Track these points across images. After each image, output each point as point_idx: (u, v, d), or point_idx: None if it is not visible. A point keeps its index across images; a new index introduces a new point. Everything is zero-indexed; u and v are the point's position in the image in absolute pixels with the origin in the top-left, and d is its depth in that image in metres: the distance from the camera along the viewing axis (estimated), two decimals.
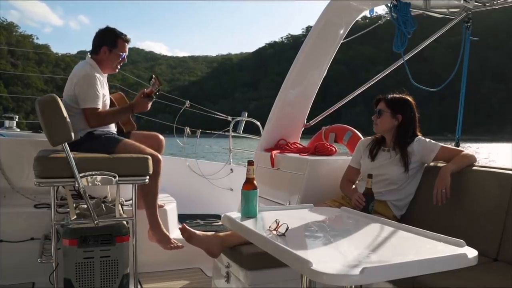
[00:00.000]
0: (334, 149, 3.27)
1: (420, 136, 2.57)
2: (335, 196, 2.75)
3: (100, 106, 2.73)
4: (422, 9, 3.04)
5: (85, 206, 2.57)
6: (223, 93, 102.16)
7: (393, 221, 1.78)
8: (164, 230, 2.88)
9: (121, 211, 2.77)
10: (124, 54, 2.91)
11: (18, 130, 4.21)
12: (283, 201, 3.04)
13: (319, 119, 3.91)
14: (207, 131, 5.03)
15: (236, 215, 1.81)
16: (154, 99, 2.88)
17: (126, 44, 2.92)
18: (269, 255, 1.39)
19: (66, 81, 2.80)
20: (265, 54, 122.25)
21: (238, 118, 4.76)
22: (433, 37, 3.35)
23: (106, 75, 2.95)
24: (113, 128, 2.92)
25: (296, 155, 3.20)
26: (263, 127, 3.89)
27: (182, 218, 3.63)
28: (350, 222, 1.89)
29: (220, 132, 4.99)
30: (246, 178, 1.82)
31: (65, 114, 2.34)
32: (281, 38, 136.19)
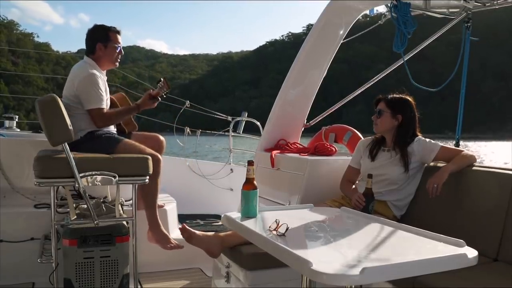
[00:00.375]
0: (334, 149, 3.27)
1: (420, 136, 2.57)
2: (335, 196, 2.75)
3: (105, 106, 2.74)
4: (422, 9, 3.03)
5: (85, 206, 2.57)
6: (224, 91, 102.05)
7: (393, 221, 1.78)
8: (164, 230, 2.88)
9: (121, 211, 2.77)
10: (119, 45, 2.89)
11: (18, 130, 4.21)
12: (283, 201, 3.04)
13: (319, 119, 3.90)
14: (207, 131, 5.03)
15: (236, 215, 1.81)
16: (159, 100, 2.90)
17: (118, 35, 2.90)
18: (269, 255, 1.39)
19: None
20: (265, 52, 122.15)
21: (238, 118, 4.76)
22: (433, 37, 3.34)
23: (105, 73, 2.94)
24: (112, 128, 2.92)
25: (296, 155, 3.20)
26: (263, 127, 3.89)
27: (182, 218, 3.63)
28: (350, 222, 1.89)
29: (220, 132, 4.99)
30: (246, 178, 1.82)
31: (65, 114, 2.34)
32: (282, 36, 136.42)
